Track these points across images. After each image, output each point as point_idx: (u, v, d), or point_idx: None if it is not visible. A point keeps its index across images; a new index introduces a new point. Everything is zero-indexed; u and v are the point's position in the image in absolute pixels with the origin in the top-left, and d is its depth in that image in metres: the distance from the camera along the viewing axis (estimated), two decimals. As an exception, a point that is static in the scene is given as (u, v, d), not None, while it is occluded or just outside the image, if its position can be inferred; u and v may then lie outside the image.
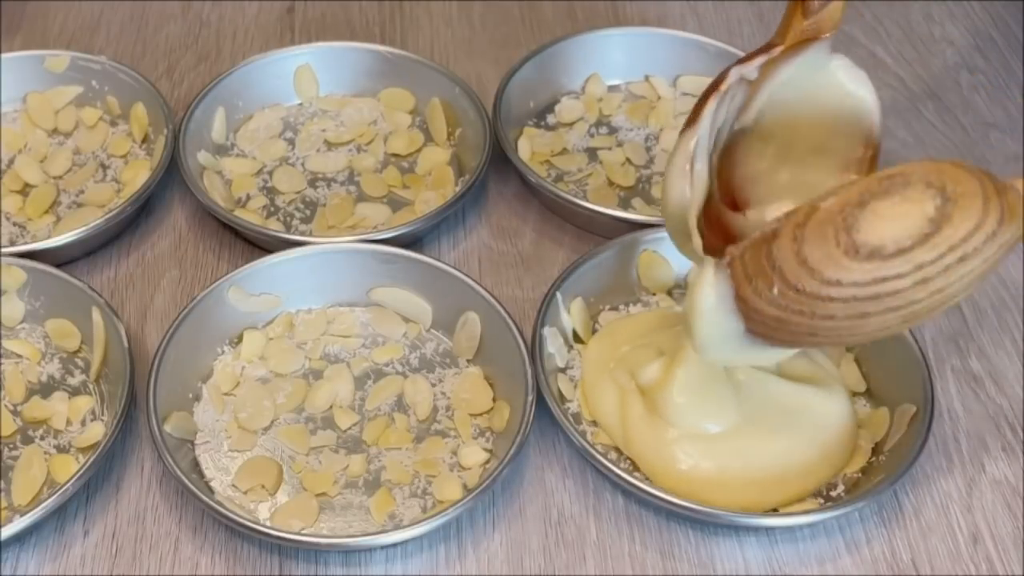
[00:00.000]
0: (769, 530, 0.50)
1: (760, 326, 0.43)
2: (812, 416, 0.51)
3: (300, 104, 0.69)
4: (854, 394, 0.54)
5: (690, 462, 0.50)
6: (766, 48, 0.47)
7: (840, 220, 0.40)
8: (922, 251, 0.39)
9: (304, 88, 0.69)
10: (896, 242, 0.39)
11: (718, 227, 0.48)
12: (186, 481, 0.48)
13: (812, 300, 0.41)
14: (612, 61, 0.70)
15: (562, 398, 0.53)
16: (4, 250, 0.56)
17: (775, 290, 0.42)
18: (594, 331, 0.57)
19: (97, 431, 0.52)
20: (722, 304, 0.44)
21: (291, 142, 0.67)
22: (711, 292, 0.44)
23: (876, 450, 0.52)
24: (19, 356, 0.55)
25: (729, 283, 0.43)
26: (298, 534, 0.48)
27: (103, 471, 0.51)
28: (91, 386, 0.54)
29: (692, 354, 0.51)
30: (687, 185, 0.46)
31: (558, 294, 0.55)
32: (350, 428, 0.53)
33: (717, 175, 0.48)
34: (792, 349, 0.48)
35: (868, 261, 0.40)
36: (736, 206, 0.50)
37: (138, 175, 0.63)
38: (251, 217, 0.61)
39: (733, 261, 0.43)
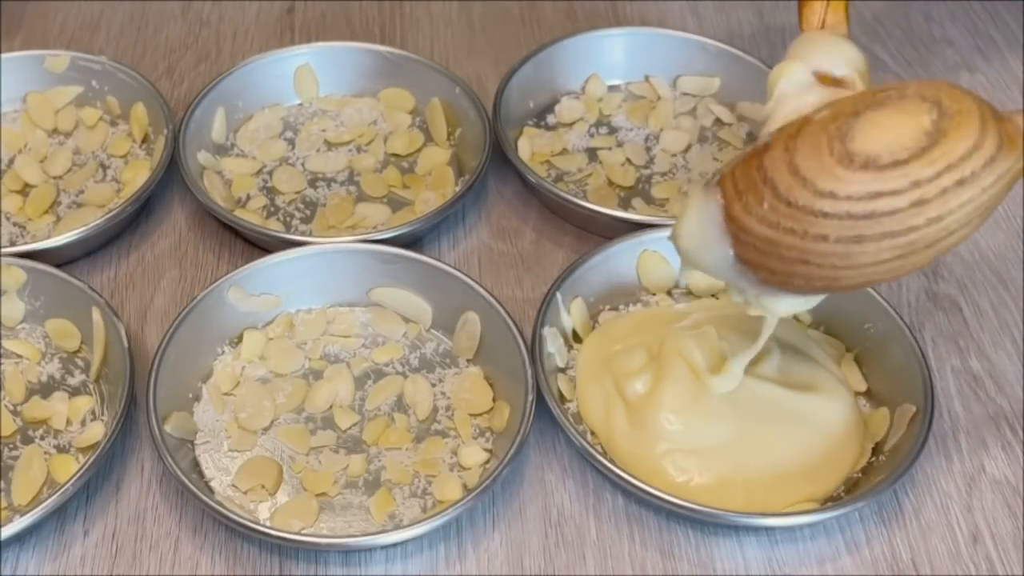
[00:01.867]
0: (769, 530, 0.50)
1: (750, 250, 0.41)
2: (814, 424, 0.51)
3: (300, 104, 0.69)
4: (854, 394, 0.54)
5: (684, 477, 0.50)
6: None
7: (834, 129, 0.39)
8: (918, 166, 0.38)
9: (304, 88, 0.69)
10: (891, 153, 0.38)
11: None
12: (186, 481, 0.48)
13: (804, 215, 0.39)
14: (612, 61, 0.70)
15: (562, 398, 0.53)
16: (4, 250, 0.56)
17: (766, 204, 0.40)
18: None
19: (97, 431, 0.52)
20: (711, 225, 0.42)
21: (291, 142, 0.67)
22: (699, 212, 0.42)
23: (876, 450, 0.52)
24: (19, 356, 0.55)
25: (719, 201, 0.41)
26: (298, 534, 0.48)
27: (103, 471, 0.51)
28: (91, 386, 0.54)
29: (679, 370, 0.51)
30: None
31: (558, 294, 0.55)
32: (350, 428, 0.53)
33: None
34: (785, 294, 0.44)
35: (863, 171, 0.38)
36: None
37: (138, 175, 0.63)
38: (251, 217, 0.61)
39: (723, 178, 0.41)
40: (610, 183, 0.64)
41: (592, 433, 0.52)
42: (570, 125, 0.68)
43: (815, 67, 0.45)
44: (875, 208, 0.38)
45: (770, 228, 0.40)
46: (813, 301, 0.46)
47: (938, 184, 0.38)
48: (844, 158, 0.39)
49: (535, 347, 0.52)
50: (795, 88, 0.45)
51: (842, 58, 0.46)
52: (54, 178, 0.64)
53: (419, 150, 0.66)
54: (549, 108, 0.69)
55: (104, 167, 0.65)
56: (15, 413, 0.53)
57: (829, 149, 0.39)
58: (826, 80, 0.45)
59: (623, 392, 0.52)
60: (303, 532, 0.49)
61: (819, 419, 0.51)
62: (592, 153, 0.66)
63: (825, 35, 0.47)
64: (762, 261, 0.41)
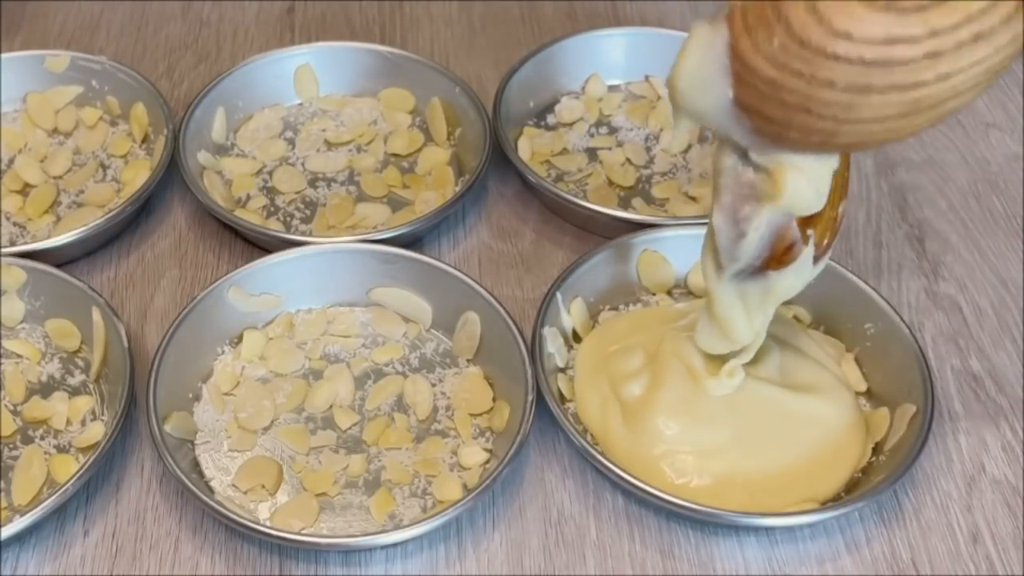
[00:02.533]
0: (769, 530, 0.50)
1: (751, 93, 0.40)
2: (815, 425, 0.51)
3: (300, 104, 0.69)
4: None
5: (683, 479, 0.50)
6: None
7: None
8: (939, 14, 0.37)
9: (304, 88, 0.69)
10: None
11: None
12: (186, 481, 0.48)
13: (815, 56, 0.38)
14: (612, 61, 0.70)
15: (562, 398, 0.53)
16: (4, 250, 0.56)
17: (776, 42, 0.38)
18: (594, 331, 0.57)
19: (97, 431, 0.52)
20: (713, 62, 0.40)
21: (291, 142, 0.67)
22: (702, 47, 0.40)
23: (876, 450, 0.52)
24: (19, 356, 0.55)
25: (725, 37, 0.39)
26: (298, 534, 0.48)
27: (103, 471, 0.51)
28: (91, 386, 0.54)
29: (675, 373, 0.51)
30: None
31: (558, 294, 0.55)
32: (350, 428, 0.53)
33: None
34: (776, 147, 0.43)
35: (883, 12, 0.37)
36: None
37: (138, 175, 0.63)
38: (251, 217, 0.61)
39: (732, 12, 0.39)
40: (610, 183, 0.64)
41: (589, 433, 0.52)
42: (570, 125, 0.68)
43: None
44: (889, 55, 0.37)
45: (777, 69, 0.38)
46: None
47: (955, 36, 0.37)
48: None
49: (535, 347, 0.52)
50: None
51: None
52: (54, 178, 0.64)
53: (419, 150, 0.66)
54: (549, 108, 0.69)
55: (104, 167, 0.65)
56: (15, 413, 0.53)
57: None
58: None
59: (619, 394, 0.52)
60: (303, 532, 0.49)
61: (820, 420, 0.51)
62: (592, 153, 0.66)
63: None
64: (761, 106, 0.40)
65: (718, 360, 0.51)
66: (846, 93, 0.38)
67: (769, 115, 0.40)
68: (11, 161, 0.65)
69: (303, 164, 0.65)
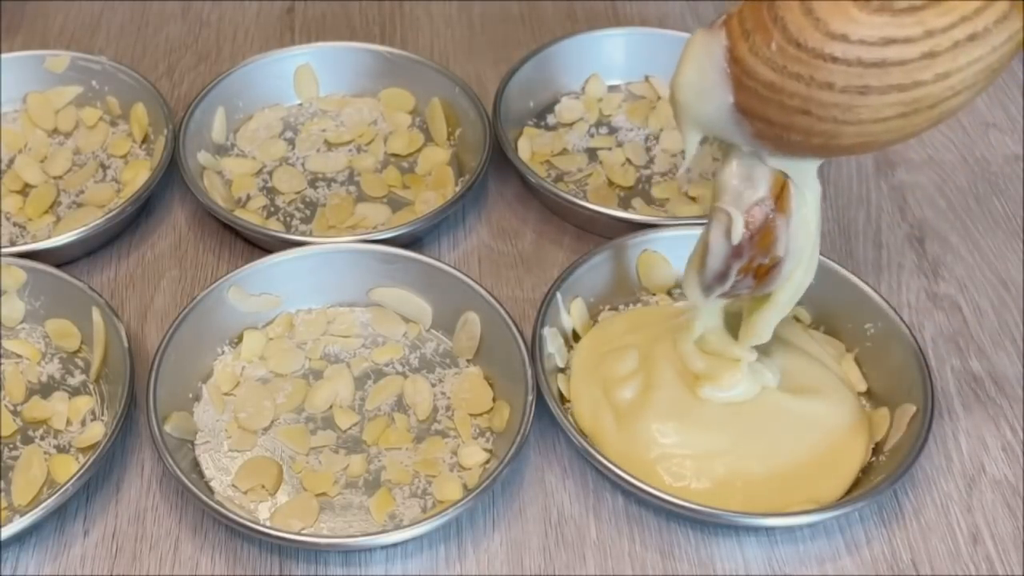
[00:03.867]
0: (769, 530, 0.50)
1: (751, 97, 0.40)
2: (818, 427, 0.51)
3: (300, 104, 0.69)
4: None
5: (681, 483, 0.49)
6: None
7: None
8: (933, 14, 0.37)
9: (304, 88, 0.69)
10: None
11: None
12: (186, 481, 0.48)
13: (813, 59, 0.38)
14: (612, 61, 0.70)
15: (562, 398, 0.53)
16: (4, 250, 0.56)
17: (774, 45, 0.38)
18: (594, 331, 0.57)
19: (97, 431, 0.52)
20: (712, 69, 0.40)
21: (291, 142, 0.67)
22: (701, 54, 0.41)
23: (876, 450, 0.52)
24: (19, 356, 0.55)
25: (723, 42, 0.40)
26: (298, 534, 0.48)
27: (103, 471, 0.51)
28: (91, 386, 0.54)
29: (667, 378, 0.51)
30: None
31: (558, 294, 0.55)
32: (350, 428, 0.53)
33: None
34: (776, 152, 0.43)
35: (878, 14, 0.37)
36: None
37: (138, 175, 0.63)
38: (251, 217, 0.61)
39: (729, 18, 0.40)
40: (610, 183, 0.64)
41: (584, 434, 0.52)
42: (570, 125, 0.68)
43: None
44: (886, 56, 0.37)
45: (775, 72, 0.39)
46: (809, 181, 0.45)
47: (950, 36, 0.37)
48: None
49: (535, 347, 0.52)
50: None
51: None
52: (54, 178, 0.64)
53: (419, 150, 0.66)
54: (549, 108, 0.69)
55: (104, 167, 0.65)
56: (15, 413, 0.53)
57: None
58: None
59: (611, 398, 0.52)
60: (303, 532, 0.49)
61: (822, 422, 0.51)
62: (592, 153, 0.66)
63: None
64: (762, 109, 0.40)
65: (712, 364, 0.51)
66: (845, 94, 0.38)
67: (770, 118, 0.40)
68: (11, 161, 0.65)
69: (303, 164, 0.65)
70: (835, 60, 0.38)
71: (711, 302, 0.49)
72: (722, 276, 0.47)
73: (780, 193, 0.45)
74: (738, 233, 0.45)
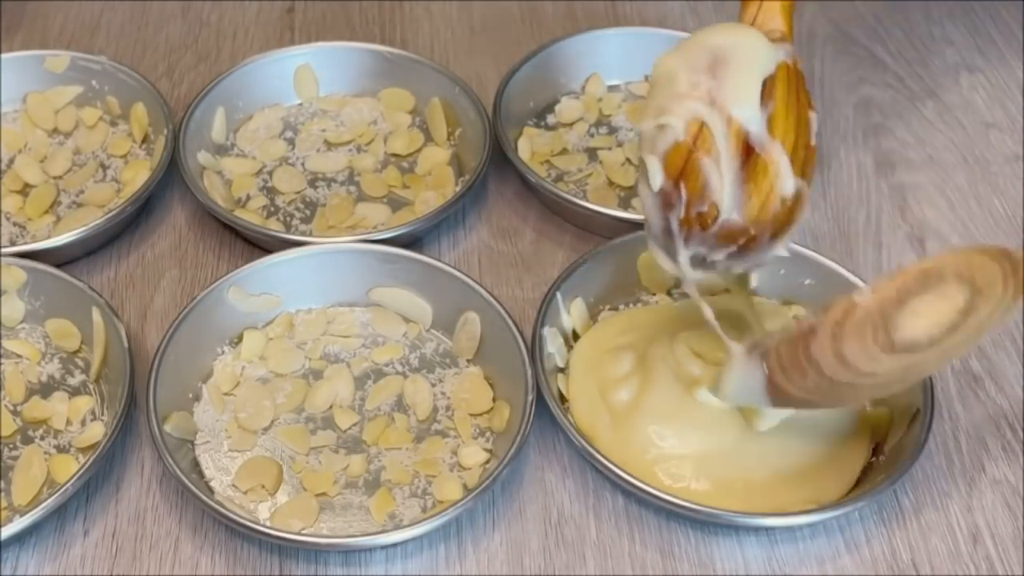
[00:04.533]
0: (769, 530, 0.50)
1: (784, 400, 0.47)
2: (819, 428, 0.51)
3: (300, 104, 0.69)
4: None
5: (680, 484, 0.49)
6: None
7: (879, 320, 0.42)
8: (950, 338, 0.42)
9: (304, 88, 0.69)
10: (930, 336, 0.42)
11: None
12: (186, 481, 0.48)
13: (844, 387, 0.44)
14: (612, 61, 0.70)
15: (562, 398, 0.53)
16: (4, 250, 0.56)
17: (809, 382, 0.44)
18: (594, 331, 0.57)
19: (97, 431, 0.52)
20: (753, 387, 0.46)
21: (291, 142, 0.67)
22: (743, 378, 0.47)
23: (876, 450, 0.52)
24: (19, 356, 0.55)
25: (763, 371, 0.46)
26: (298, 534, 0.48)
27: (103, 471, 0.51)
28: (91, 386, 0.54)
29: (662, 379, 0.51)
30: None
31: (558, 294, 0.55)
32: (350, 428, 0.53)
33: None
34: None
35: (903, 354, 0.42)
36: None
37: (138, 175, 0.63)
38: (251, 217, 0.61)
39: (768, 353, 0.45)
40: (610, 183, 0.64)
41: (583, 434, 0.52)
42: (570, 125, 0.68)
43: (693, 62, 0.47)
44: (905, 375, 0.44)
45: (809, 395, 0.45)
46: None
47: (964, 344, 0.43)
48: (887, 346, 0.42)
49: (535, 347, 0.52)
50: (668, 78, 0.47)
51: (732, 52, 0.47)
52: (54, 178, 0.64)
53: (419, 150, 0.66)
54: (549, 108, 0.69)
55: (104, 167, 0.65)
56: (15, 413, 0.53)
57: (874, 338, 0.42)
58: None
59: (607, 399, 0.52)
60: (303, 532, 0.49)
61: (824, 422, 0.51)
62: (592, 153, 0.66)
63: (732, 30, 0.48)
64: (787, 402, 0.47)
65: (715, 363, 0.51)
66: (863, 392, 0.47)
67: (792, 403, 0.47)
68: (11, 161, 0.65)
69: (303, 164, 0.65)
70: (863, 386, 0.45)
71: (693, 274, 0.48)
72: (667, 232, 0.47)
73: (699, 132, 0.46)
74: (656, 178, 0.47)
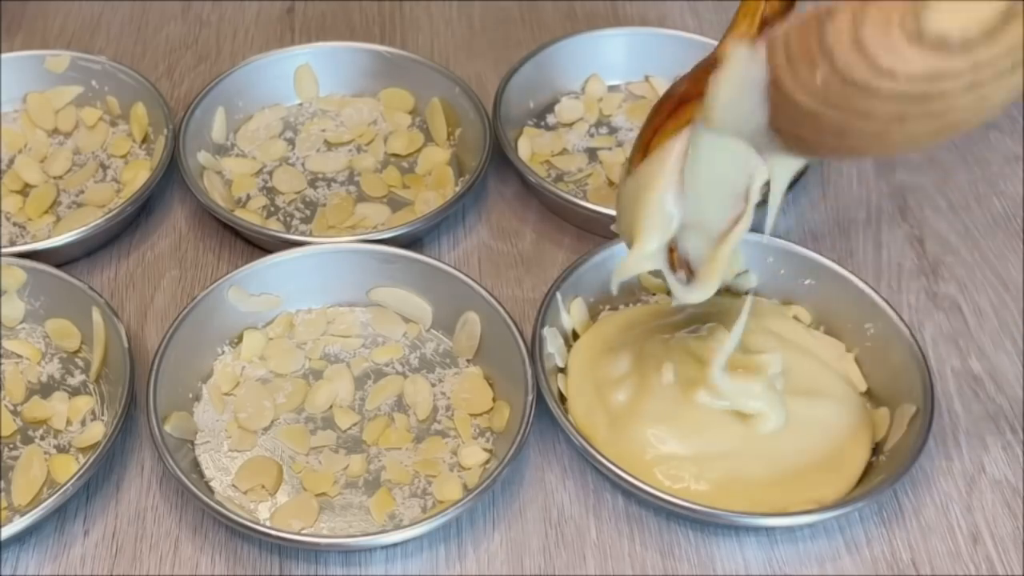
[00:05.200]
0: (769, 530, 0.50)
1: (788, 121, 0.40)
2: (820, 428, 0.51)
3: (300, 104, 0.69)
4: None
5: (679, 485, 0.49)
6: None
7: (909, 2, 0.36)
8: (984, 48, 0.36)
9: (304, 88, 0.69)
10: (963, 33, 0.36)
11: None
12: (186, 481, 0.48)
13: (857, 92, 0.37)
14: (612, 61, 0.70)
15: (562, 398, 0.53)
16: (4, 250, 0.56)
17: (819, 77, 0.37)
18: (594, 331, 0.57)
19: (97, 431, 0.52)
20: (753, 94, 0.40)
21: (291, 142, 0.67)
22: (741, 79, 0.40)
23: (876, 450, 0.52)
24: (19, 356, 0.55)
25: (764, 68, 0.39)
26: (298, 534, 0.48)
27: (103, 471, 0.51)
28: (91, 386, 0.54)
29: (660, 381, 0.51)
30: None
31: (558, 294, 0.55)
32: (350, 428, 0.53)
33: None
34: (802, 157, 0.44)
35: (930, 51, 0.36)
36: None
37: (138, 175, 0.63)
38: (251, 217, 0.61)
39: (774, 41, 0.39)
40: (610, 183, 0.64)
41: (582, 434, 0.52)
42: (570, 125, 0.68)
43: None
44: (929, 90, 0.37)
45: (818, 103, 0.38)
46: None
47: (995, 67, 0.36)
48: (914, 36, 0.36)
49: (535, 347, 0.52)
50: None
51: None
52: (54, 178, 0.64)
53: (419, 150, 0.66)
54: (549, 108, 0.69)
55: (104, 167, 0.65)
56: (15, 413, 0.53)
57: (901, 24, 0.36)
58: None
59: (605, 401, 0.51)
60: (303, 532, 0.49)
61: (825, 423, 0.51)
62: (592, 153, 0.66)
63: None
64: (796, 130, 0.40)
65: (707, 366, 0.50)
66: (880, 124, 0.38)
67: (802, 136, 0.40)
68: (11, 161, 0.65)
69: (303, 164, 0.65)
70: (879, 95, 0.37)
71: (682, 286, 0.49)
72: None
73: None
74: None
